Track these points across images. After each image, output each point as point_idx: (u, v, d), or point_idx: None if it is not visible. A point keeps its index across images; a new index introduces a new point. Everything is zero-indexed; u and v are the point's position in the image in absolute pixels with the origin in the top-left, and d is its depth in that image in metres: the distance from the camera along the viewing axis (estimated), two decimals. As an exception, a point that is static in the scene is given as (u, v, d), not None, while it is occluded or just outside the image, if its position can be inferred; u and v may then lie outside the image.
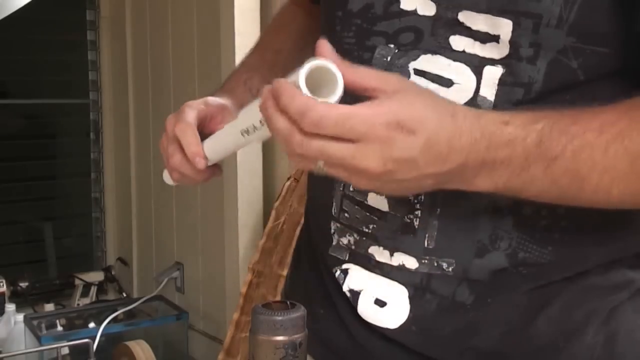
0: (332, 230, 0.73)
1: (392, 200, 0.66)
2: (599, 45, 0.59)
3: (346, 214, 0.71)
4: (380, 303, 0.69)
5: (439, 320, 0.67)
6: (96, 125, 2.73)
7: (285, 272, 1.73)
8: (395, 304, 0.68)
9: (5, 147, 2.56)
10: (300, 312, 0.59)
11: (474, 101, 0.62)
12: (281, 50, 0.88)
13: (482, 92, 0.62)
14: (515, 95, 0.61)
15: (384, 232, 0.68)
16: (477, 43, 0.61)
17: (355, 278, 0.71)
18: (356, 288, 0.71)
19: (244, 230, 1.87)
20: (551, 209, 0.63)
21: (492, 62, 0.61)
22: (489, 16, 0.60)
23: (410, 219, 0.66)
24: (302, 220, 1.75)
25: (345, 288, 0.72)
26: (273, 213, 1.77)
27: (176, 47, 2.23)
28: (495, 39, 0.60)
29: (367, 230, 0.69)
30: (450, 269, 0.65)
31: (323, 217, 0.74)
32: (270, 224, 1.77)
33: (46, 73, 2.71)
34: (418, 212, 0.65)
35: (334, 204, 0.72)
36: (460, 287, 0.66)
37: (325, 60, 0.55)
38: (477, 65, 0.62)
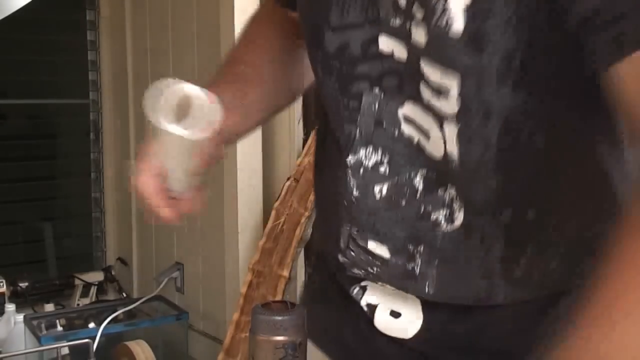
0: (341, 261, 0.72)
1: (392, 248, 0.66)
2: (552, 97, 0.56)
3: (352, 253, 0.70)
4: (394, 314, 0.69)
5: (451, 327, 0.67)
6: (96, 125, 2.73)
7: (285, 273, 1.73)
8: (408, 314, 0.68)
9: (5, 147, 2.56)
10: (300, 312, 0.59)
11: (446, 157, 0.60)
12: (255, 65, 0.83)
13: (448, 148, 0.59)
14: (476, 153, 0.58)
15: (387, 276, 0.68)
16: (434, 96, 0.58)
17: (373, 293, 0.71)
18: (373, 302, 0.71)
19: (244, 230, 1.87)
20: (544, 269, 0.63)
21: (448, 117, 0.58)
22: (440, 66, 0.56)
23: (411, 267, 0.65)
24: (302, 220, 1.75)
25: (362, 303, 0.72)
26: (273, 213, 1.78)
27: (176, 47, 2.23)
28: (446, 92, 0.57)
29: (372, 270, 0.69)
30: (454, 303, 0.66)
31: (333, 247, 0.72)
32: (270, 224, 1.77)
33: (46, 73, 2.70)
34: (418, 261, 0.65)
35: (341, 240, 0.70)
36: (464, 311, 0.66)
37: (184, 87, 0.59)
38: (439, 119, 0.59)
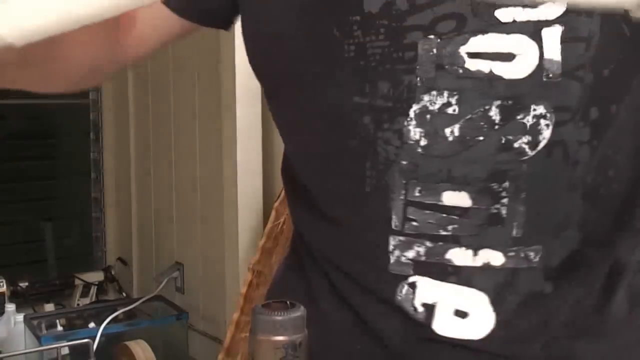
0: (391, 247, 0.66)
1: (473, 192, 0.62)
2: None
3: (414, 223, 0.64)
4: (461, 314, 0.65)
5: (523, 320, 0.65)
6: (96, 125, 2.73)
7: (285, 272, 1.72)
8: (477, 313, 0.64)
9: (5, 147, 2.56)
10: (300, 312, 0.59)
11: (542, 66, 0.60)
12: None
13: (547, 55, 0.60)
14: (578, 51, 0.60)
15: (467, 229, 0.63)
16: (527, 8, 0.59)
17: (427, 290, 0.65)
18: (430, 301, 0.65)
19: (244, 230, 1.87)
20: (604, 176, 0.63)
21: (548, 23, 0.59)
22: None
23: (496, 209, 0.62)
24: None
25: (417, 303, 0.66)
26: (273, 213, 1.77)
27: (175, 47, 2.23)
28: None
29: (445, 233, 0.64)
30: (536, 259, 0.63)
31: (375, 237, 0.67)
32: (270, 224, 1.77)
33: (46, 73, 2.70)
34: (504, 200, 0.62)
35: (393, 216, 0.65)
36: (542, 279, 0.64)
37: None
38: (532, 30, 0.60)
